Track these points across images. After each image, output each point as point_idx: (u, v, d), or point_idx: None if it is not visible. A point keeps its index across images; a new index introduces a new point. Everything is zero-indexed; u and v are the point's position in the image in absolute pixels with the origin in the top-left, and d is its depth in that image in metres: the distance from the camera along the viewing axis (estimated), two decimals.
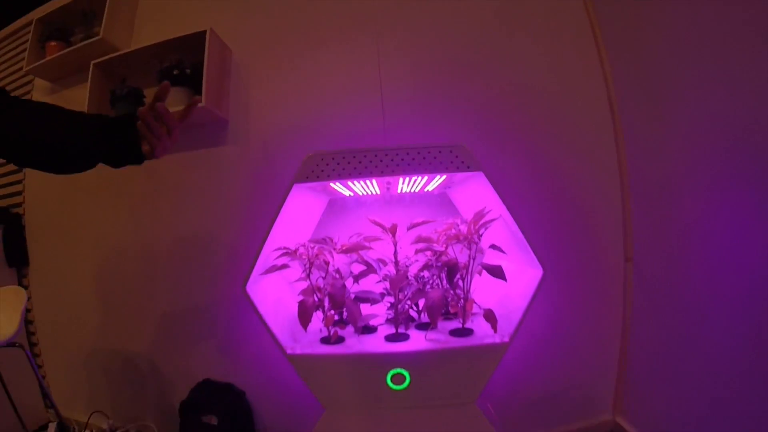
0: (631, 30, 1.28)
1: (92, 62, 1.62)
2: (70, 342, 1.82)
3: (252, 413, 1.59)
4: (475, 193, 1.15)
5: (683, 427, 1.12)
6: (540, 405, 1.44)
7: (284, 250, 1.08)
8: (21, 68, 1.94)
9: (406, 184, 1.18)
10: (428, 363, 1.02)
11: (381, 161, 0.98)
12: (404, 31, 1.49)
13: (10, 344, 1.30)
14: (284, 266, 1.09)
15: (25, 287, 1.95)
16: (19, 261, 1.94)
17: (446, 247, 1.06)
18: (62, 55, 1.76)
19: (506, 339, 1.00)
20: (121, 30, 1.74)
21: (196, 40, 1.48)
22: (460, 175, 1.05)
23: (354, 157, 0.98)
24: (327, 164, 0.99)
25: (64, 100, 1.90)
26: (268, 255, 1.07)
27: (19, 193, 1.99)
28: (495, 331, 1.01)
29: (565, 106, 1.42)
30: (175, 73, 1.46)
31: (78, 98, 1.72)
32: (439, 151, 0.97)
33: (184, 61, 1.47)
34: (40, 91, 1.97)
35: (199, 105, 1.42)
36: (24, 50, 1.94)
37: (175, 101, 1.47)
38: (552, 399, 1.44)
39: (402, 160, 0.98)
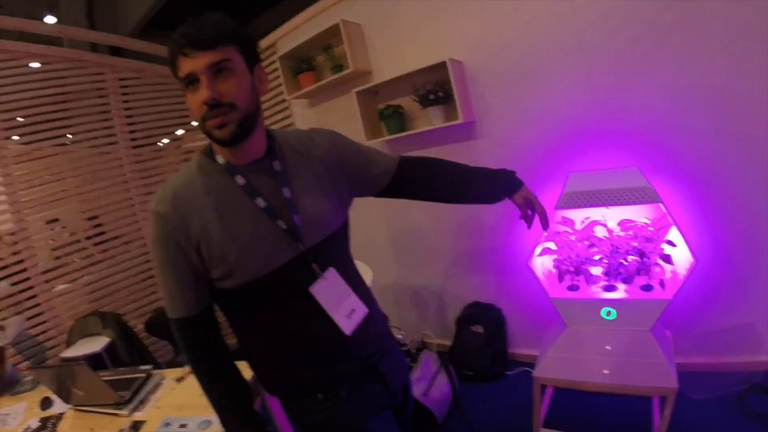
0: None
1: (354, 90, 2.23)
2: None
3: (505, 324, 2.33)
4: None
5: None
6: (711, 336, 1.79)
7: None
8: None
9: None
10: (624, 304, 1.59)
11: None
12: None
13: None
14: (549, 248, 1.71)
15: None
16: None
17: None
18: (319, 86, 2.39)
19: (669, 297, 1.51)
20: (361, 59, 2.29)
21: (438, 67, 1.96)
22: None
23: None
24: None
25: (327, 112, 2.61)
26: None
27: None
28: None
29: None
30: (431, 97, 1.98)
31: (336, 108, 2.40)
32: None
33: (437, 87, 1.98)
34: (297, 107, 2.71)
35: (456, 122, 1.96)
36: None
37: (435, 117, 2.03)
38: (721, 332, 1.77)
39: None
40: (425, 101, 2.04)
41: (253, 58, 0.81)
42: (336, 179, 0.93)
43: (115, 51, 4.02)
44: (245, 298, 0.84)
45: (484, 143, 2.11)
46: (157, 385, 1.52)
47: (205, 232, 0.79)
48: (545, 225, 1.11)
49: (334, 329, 0.85)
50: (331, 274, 0.87)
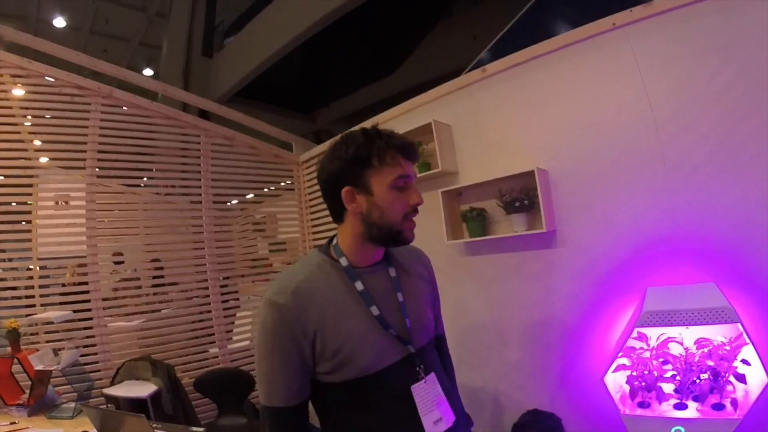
0: None
1: (440, 190, 2.35)
2: None
3: None
4: None
5: None
6: None
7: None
8: None
9: None
10: (693, 424, 1.56)
11: None
12: None
13: None
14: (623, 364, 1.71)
15: None
16: None
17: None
18: None
19: (740, 417, 1.47)
20: (449, 159, 2.45)
21: (525, 174, 2.09)
22: None
23: None
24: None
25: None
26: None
27: None
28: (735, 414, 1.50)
29: None
30: (516, 204, 2.11)
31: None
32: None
33: (522, 195, 2.11)
34: None
35: (539, 231, 2.06)
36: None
37: (517, 224, 2.13)
38: None
39: None
40: (510, 208, 2.12)
41: None
42: (432, 292, 1.05)
43: (202, 114, 4.44)
44: (346, 393, 0.86)
45: (563, 252, 2.13)
46: None
47: (322, 326, 0.83)
48: None
49: None
50: (431, 378, 0.91)
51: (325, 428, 0.93)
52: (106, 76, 2.89)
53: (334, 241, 0.93)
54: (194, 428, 1.62)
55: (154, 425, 1.48)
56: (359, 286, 0.87)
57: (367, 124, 2.79)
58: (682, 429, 1.58)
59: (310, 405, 0.93)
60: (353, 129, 0.89)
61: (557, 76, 2.14)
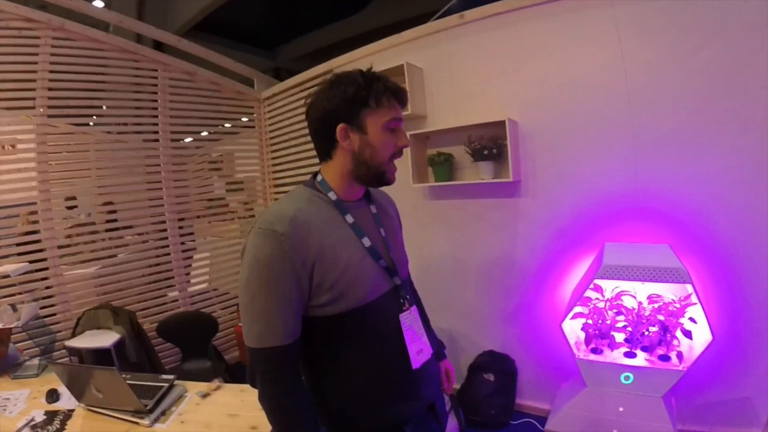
0: None
1: (409, 133, 2.29)
2: None
3: (517, 375, 2.39)
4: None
5: None
6: (711, 407, 1.88)
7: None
8: None
9: None
10: (641, 372, 1.72)
11: None
12: None
13: None
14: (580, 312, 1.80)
15: None
16: None
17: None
18: None
19: (684, 369, 1.65)
20: (419, 103, 2.38)
21: (495, 124, 2.06)
22: None
23: None
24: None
25: None
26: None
27: None
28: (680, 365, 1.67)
29: None
30: (485, 152, 2.08)
31: None
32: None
33: (491, 143, 2.08)
34: None
35: (506, 180, 2.06)
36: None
37: (485, 172, 2.12)
38: (721, 403, 1.87)
39: None
40: (478, 155, 2.11)
41: None
42: (401, 238, 1.09)
43: (157, 47, 4.07)
44: (341, 324, 0.86)
45: (527, 202, 2.18)
46: (180, 398, 1.47)
47: (321, 256, 0.82)
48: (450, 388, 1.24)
49: (406, 363, 0.92)
50: (414, 309, 0.97)
51: (311, 368, 0.92)
52: (53, 7, 2.56)
53: (319, 177, 0.94)
54: (164, 375, 1.58)
55: (123, 376, 1.43)
56: (350, 218, 0.90)
57: (339, 62, 2.69)
58: (631, 375, 1.75)
59: None
60: (348, 71, 0.89)
61: (537, 32, 2.08)
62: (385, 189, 1.04)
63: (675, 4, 1.77)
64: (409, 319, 0.95)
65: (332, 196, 0.91)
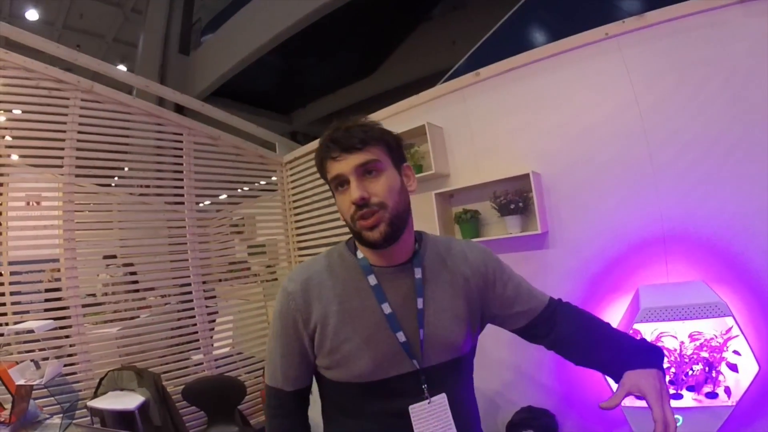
0: None
1: (434, 192, 2.36)
2: None
3: (558, 430, 2.30)
4: None
5: None
6: None
7: None
8: None
9: None
10: (690, 412, 1.66)
11: None
12: None
13: None
14: None
15: None
16: None
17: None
18: None
19: (734, 403, 1.59)
20: (441, 162, 2.47)
21: (519, 177, 2.12)
22: None
23: None
24: None
25: None
26: None
27: None
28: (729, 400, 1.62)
29: None
30: (512, 207, 2.15)
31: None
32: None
33: (517, 197, 2.15)
34: None
35: (534, 233, 2.11)
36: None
37: (512, 226, 2.17)
38: None
39: None
40: (505, 210, 2.14)
41: (399, 158, 0.85)
42: (474, 303, 0.89)
43: (178, 110, 4.29)
44: (342, 393, 0.84)
45: (556, 253, 2.18)
46: None
47: (324, 322, 0.81)
48: None
49: None
50: (440, 400, 0.81)
51: (324, 417, 0.92)
52: (79, 69, 2.73)
53: None
54: None
55: None
56: (372, 280, 0.82)
57: None
58: (680, 417, 1.67)
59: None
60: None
61: (551, 83, 2.19)
62: None
63: (677, 42, 1.87)
64: (425, 411, 0.80)
65: (359, 255, 0.85)
